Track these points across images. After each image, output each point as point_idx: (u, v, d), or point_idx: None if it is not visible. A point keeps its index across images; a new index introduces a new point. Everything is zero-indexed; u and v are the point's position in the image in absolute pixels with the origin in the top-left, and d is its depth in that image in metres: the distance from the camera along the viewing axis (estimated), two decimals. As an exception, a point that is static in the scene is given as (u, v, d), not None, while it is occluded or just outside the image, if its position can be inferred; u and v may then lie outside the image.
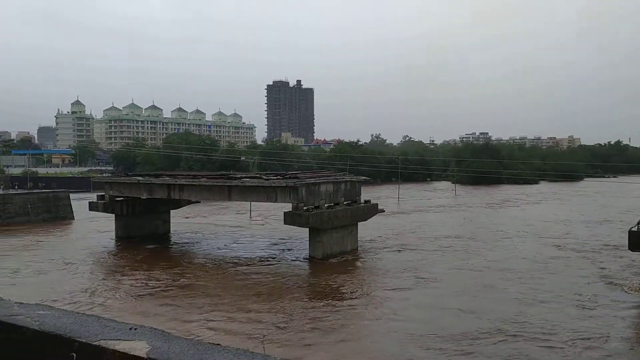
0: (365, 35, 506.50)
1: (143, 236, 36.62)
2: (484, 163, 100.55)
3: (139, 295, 22.02)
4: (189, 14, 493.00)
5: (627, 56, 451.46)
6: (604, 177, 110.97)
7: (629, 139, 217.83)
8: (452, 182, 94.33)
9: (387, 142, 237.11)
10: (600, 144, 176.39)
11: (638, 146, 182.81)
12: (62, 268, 27.57)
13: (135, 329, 2.05)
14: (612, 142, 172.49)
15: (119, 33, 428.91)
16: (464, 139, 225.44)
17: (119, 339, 1.93)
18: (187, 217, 47.86)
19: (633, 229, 22.60)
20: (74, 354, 1.87)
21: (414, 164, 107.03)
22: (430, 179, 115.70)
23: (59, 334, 2.00)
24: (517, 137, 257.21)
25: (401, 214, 51.29)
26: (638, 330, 18.51)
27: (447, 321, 18.67)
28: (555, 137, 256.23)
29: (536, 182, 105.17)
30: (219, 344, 1.91)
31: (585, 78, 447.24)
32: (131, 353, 1.82)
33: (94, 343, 1.91)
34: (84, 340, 1.93)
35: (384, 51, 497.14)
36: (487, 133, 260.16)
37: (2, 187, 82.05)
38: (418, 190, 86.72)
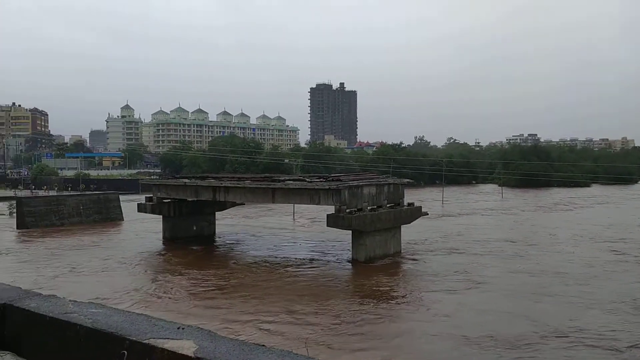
0: (407, 35, 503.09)
1: (189, 237, 37.41)
2: (533, 165, 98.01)
3: (190, 294, 22.48)
4: (236, 19, 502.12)
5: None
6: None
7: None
8: (499, 185, 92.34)
9: (431, 144, 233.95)
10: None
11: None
12: (115, 267, 28.47)
13: (182, 328, 2.09)
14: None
15: (169, 41, 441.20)
16: (511, 141, 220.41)
17: (168, 338, 1.98)
18: (231, 219, 48.60)
19: None
20: (125, 352, 1.92)
21: (458, 166, 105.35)
22: (476, 181, 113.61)
23: (111, 332, 2.07)
24: (568, 139, 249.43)
25: (446, 217, 50.54)
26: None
27: (502, 325, 18.27)
28: (607, 139, 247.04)
29: (588, 185, 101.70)
30: (264, 345, 1.93)
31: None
32: (179, 352, 1.86)
33: (144, 341, 1.96)
34: (134, 339, 1.99)
35: (428, 52, 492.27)
36: (536, 134, 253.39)
37: (56, 188, 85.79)
38: (463, 193, 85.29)
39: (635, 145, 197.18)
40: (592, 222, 46.43)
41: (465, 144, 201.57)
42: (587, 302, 20.92)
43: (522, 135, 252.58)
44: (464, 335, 17.05)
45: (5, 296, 2.62)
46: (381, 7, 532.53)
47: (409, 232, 34.86)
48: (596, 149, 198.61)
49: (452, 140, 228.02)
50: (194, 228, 38.92)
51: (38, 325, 2.36)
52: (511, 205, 63.55)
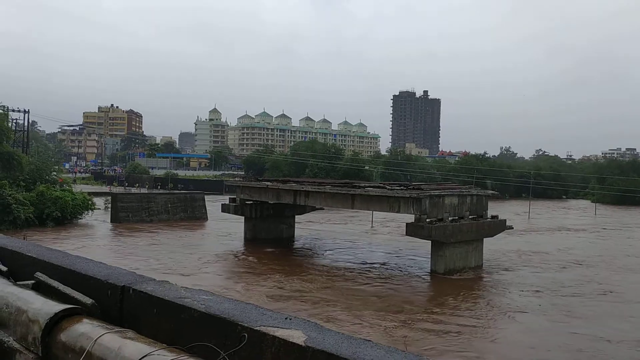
0: (494, 38, 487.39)
1: (269, 239, 38.26)
2: (631, 181, 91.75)
3: (271, 295, 22.99)
4: (322, 27, 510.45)
5: None
6: None
7: None
8: (592, 201, 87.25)
9: (518, 155, 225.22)
10: None
11: None
12: (200, 264, 29.68)
13: (290, 319, 2.18)
14: None
15: (257, 49, 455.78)
16: (607, 155, 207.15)
17: (277, 327, 2.07)
18: (310, 223, 49.18)
19: None
20: (246, 334, 2.04)
21: (547, 179, 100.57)
22: (566, 196, 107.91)
23: (224, 317, 2.21)
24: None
25: (532, 232, 48.34)
26: None
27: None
28: None
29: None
30: (370, 340, 1.97)
31: None
32: (290, 340, 1.94)
33: (255, 328, 2.07)
34: (246, 325, 2.10)
35: (515, 56, 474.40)
36: (635, 149, 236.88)
37: (147, 186, 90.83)
38: (552, 208, 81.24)
39: None
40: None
41: (556, 156, 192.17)
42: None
43: (620, 149, 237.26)
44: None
45: (123, 279, 2.86)
46: (465, 11, 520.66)
47: (491, 246, 33.71)
48: None
49: (541, 152, 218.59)
50: (274, 230, 39.76)
51: (154, 306, 2.55)
52: (605, 223, 59.77)
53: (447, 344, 17.14)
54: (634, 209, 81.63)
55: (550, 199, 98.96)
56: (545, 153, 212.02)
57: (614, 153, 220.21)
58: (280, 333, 2.00)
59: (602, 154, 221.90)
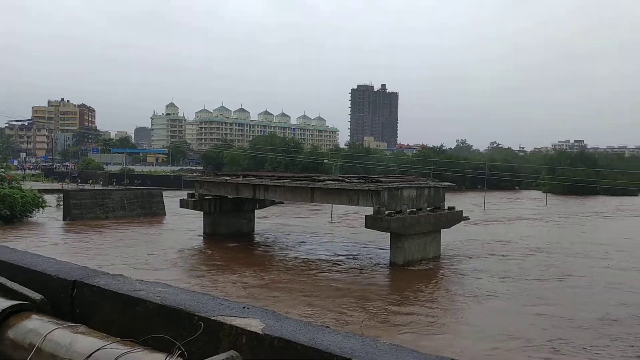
0: (454, 36, 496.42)
1: (229, 234, 37.90)
2: (579, 172, 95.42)
3: (233, 289, 22.82)
4: (282, 19, 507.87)
5: None
6: None
7: None
8: (543, 192, 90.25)
9: (474, 148, 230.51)
10: None
11: None
12: (163, 261, 29.14)
13: (248, 308, 2.17)
14: None
15: (215, 38, 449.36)
16: (557, 147, 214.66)
17: (235, 316, 2.06)
18: (270, 217, 49.03)
19: None
20: (202, 323, 2.01)
21: (501, 171, 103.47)
22: (519, 187, 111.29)
23: (180, 308, 2.17)
24: (616, 146, 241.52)
25: (487, 223, 49.64)
26: None
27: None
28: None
29: (635, 194, 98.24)
30: (328, 326, 1.98)
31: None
32: (247, 329, 1.93)
33: (212, 318, 2.05)
34: (202, 315, 2.08)
35: (475, 53, 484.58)
36: (582, 141, 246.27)
37: (101, 182, 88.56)
38: (505, 198, 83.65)
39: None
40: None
41: (509, 148, 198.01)
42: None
43: (568, 141, 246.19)
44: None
45: (74, 274, 2.77)
46: (429, 9, 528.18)
47: (448, 237, 34.43)
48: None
49: (495, 145, 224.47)
50: (234, 225, 39.43)
51: (107, 300, 2.49)
52: (556, 212, 61.99)
53: (411, 329, 17.49)
54: (583, 199, 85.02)
55: (504, 189, 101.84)
56: (500, 145, 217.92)
57: (563, 145, 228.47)
58: (237, 322, 1.99)
59: (552, 145, 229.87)
